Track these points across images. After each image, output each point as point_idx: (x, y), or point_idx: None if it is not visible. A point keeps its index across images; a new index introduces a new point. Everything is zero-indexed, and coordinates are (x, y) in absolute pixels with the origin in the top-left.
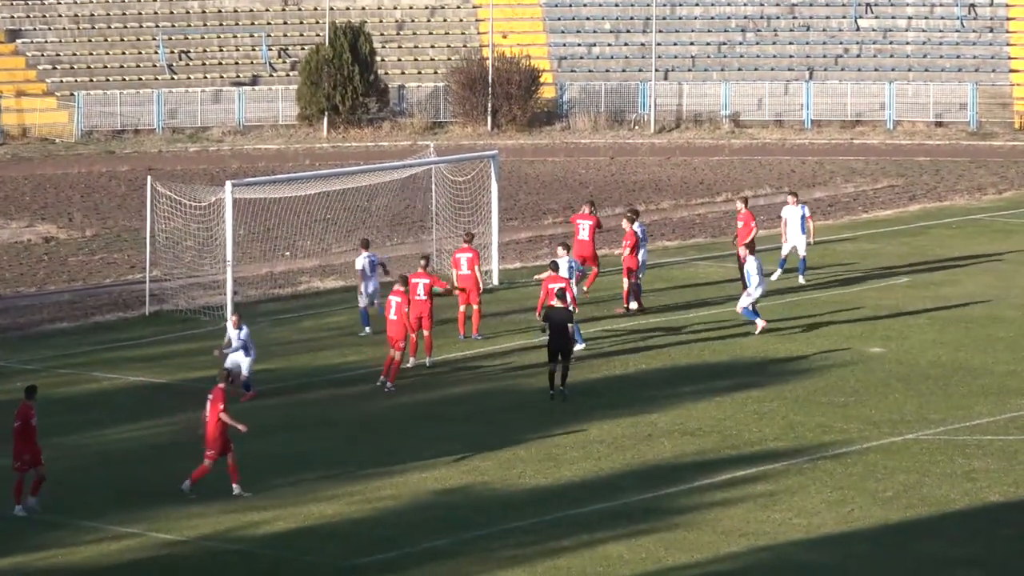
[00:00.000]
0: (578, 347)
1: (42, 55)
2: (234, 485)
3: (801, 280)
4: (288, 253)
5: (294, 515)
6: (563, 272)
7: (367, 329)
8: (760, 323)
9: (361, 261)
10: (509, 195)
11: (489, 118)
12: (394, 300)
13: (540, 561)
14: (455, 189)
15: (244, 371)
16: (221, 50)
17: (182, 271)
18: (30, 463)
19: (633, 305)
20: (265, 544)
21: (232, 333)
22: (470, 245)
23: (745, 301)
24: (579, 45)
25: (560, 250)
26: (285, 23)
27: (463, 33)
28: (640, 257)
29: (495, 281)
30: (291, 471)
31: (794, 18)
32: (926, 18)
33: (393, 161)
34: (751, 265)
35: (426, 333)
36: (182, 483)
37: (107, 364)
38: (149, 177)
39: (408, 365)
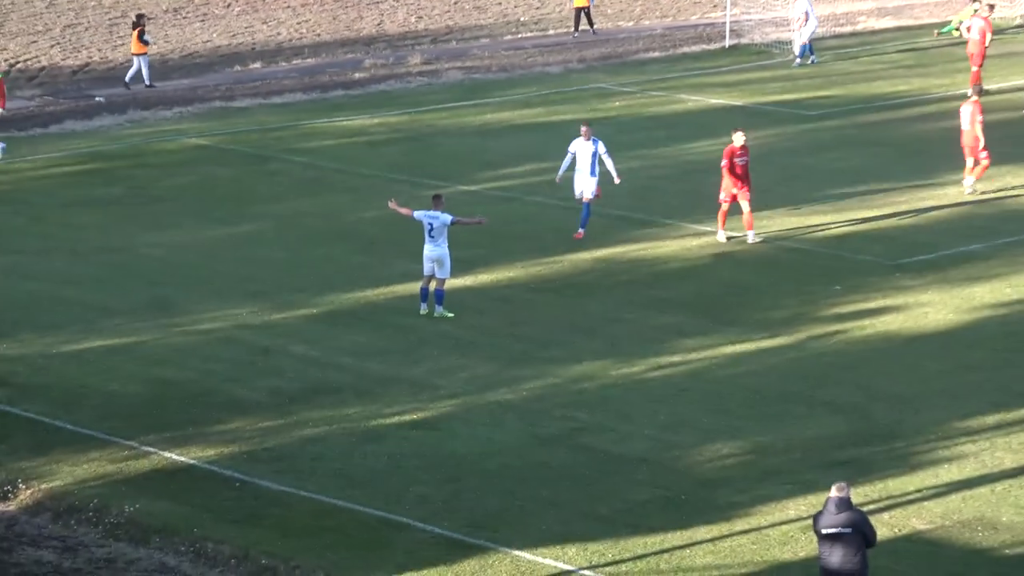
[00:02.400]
0: None
1: None
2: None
3: None
4: None
5: (849, 219)
6: None
7: (812, 59)
8: None
9: (802, 4)
10: None
11: None
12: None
13: None
14: None
15: (443, 275)
16: None
17: (758, 9)
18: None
19: None
20: (822, 244)
21: (422, 215)
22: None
23: None
24: None
25: None
26: None
27: None
28: None
29: None
30: (847, 183)
31: None
32: None
33: None
34: None
35: None
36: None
37: (692, 88)
38: None
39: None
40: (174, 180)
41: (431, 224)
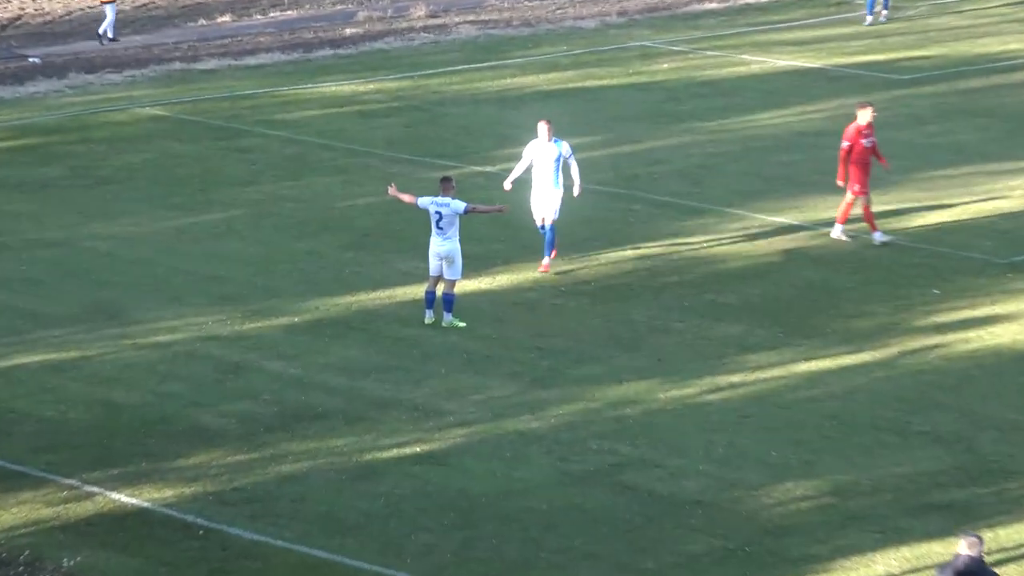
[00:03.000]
0: None
1: None
2: None
3: None
4: None
5: (950, 207)
6: None
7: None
8: None
9: None
10: None
11: None
12: None
13: None
14: None
15: (452, 275)
16: None
17: None
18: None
19: None
20: (918, 238)
21: (428, 203)
22: None
23: None
24: None
25: None
26: None
27: None
28: None
29: None
30: (948, 163)
31: None
32: None
33: None
34: None
35: None
36: None
37: (756, 47)
38: None
39: None
40: (125, 158)
41: (439, 213)
